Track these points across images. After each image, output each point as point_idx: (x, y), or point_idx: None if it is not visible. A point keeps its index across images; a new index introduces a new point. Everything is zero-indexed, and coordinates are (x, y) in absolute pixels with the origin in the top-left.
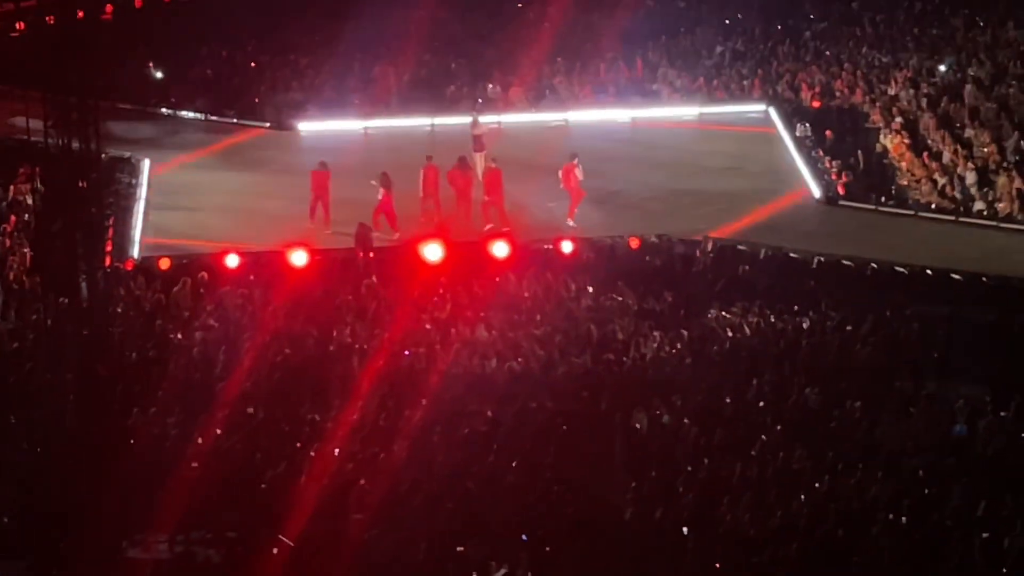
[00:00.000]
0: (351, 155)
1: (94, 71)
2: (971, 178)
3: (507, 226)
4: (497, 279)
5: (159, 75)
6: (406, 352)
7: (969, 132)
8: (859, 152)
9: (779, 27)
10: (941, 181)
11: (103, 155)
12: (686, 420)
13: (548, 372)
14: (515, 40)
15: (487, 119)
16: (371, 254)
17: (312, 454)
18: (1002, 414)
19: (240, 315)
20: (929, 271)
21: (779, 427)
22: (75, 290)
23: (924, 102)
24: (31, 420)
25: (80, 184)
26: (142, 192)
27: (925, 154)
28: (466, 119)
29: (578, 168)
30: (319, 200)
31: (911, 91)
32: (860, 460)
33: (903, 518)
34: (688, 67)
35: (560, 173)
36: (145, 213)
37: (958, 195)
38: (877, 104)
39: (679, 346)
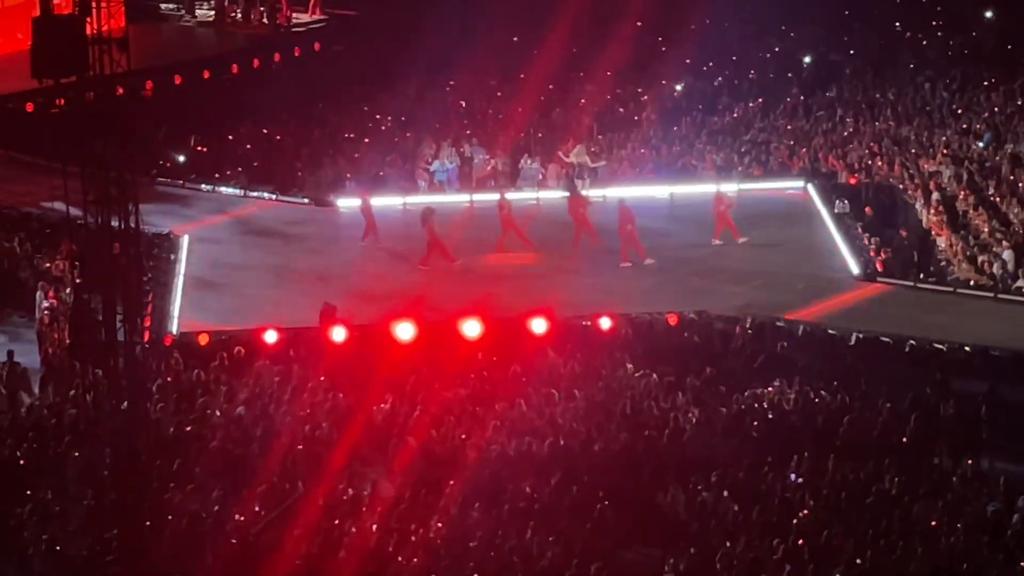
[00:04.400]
0: (389, 230)
1: (133, 147)
2: (1008, 255)
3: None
4: (536, 354)
5: (181, 158)
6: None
7: (1007, 209)
8: (897, 229)
9: (817, 103)
10: (980, 258)
11: (142, 231)
12: (725, 495)
13: (586, 448)
14: (555, 117)
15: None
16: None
17: (353, 529)
18: None
19: (278, 391)
20: (967, 348)
21: (818, 503)
22: (113, 365)
23: (963, 178)
24: (68, 495)
25: (119, 260)
26: (181, 267)
27: (963, 231)
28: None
29: (726, 196)
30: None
31: (949, 167)
32: (898, 537)
33: None
34: (726, 143)
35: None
36: (184, 289)
37: (996, 272)
38: (915, 180)
39: (717, 423)
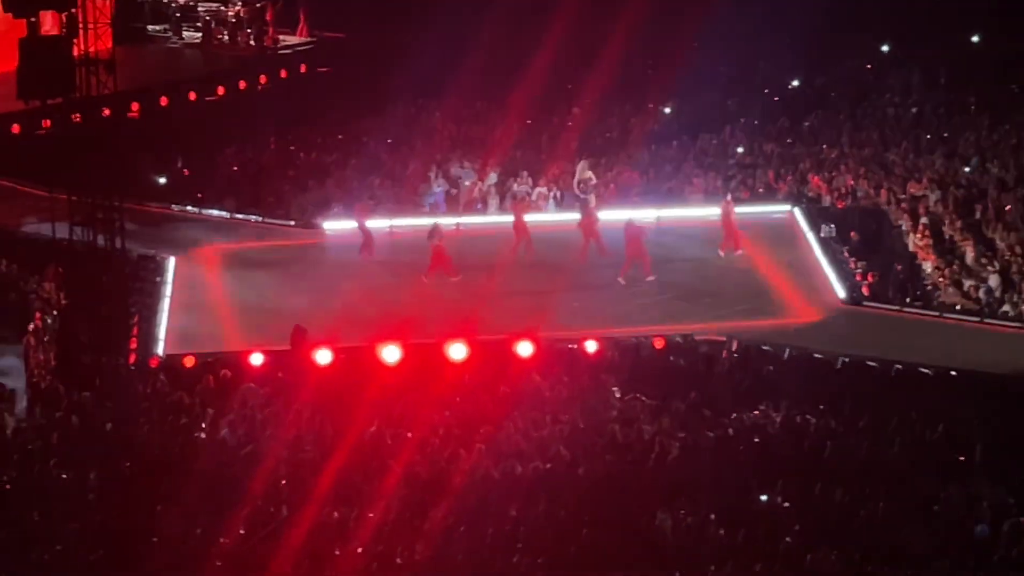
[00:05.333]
0: (376, 253)
1: (119, 169)
2: (995, 280)
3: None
4: (521, 377)
5: (162, 180)
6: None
7: (993, 234)
8: (884, 253)
9: (804, 127)
10: (966, 283)
11: (128, 253)
12: (712, 518)
13: (572, 471)
14: (541, 140)
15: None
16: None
17: (336, 552)
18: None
19: (264, 413)
20: (954, 372)
21: (804, 527)
22: (99, 387)
23: (949, 203)
24: (54, 517)
25: (105, 282)
26: (167, 290)
27: (949, 255)
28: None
29: (732, 206)
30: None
31: (935, 192)
32: (885, 561)
33: None
34: (713, 167)
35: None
36: (170, 311)
37: (983, 297)
38: (902, 205)
39: (703, 446)
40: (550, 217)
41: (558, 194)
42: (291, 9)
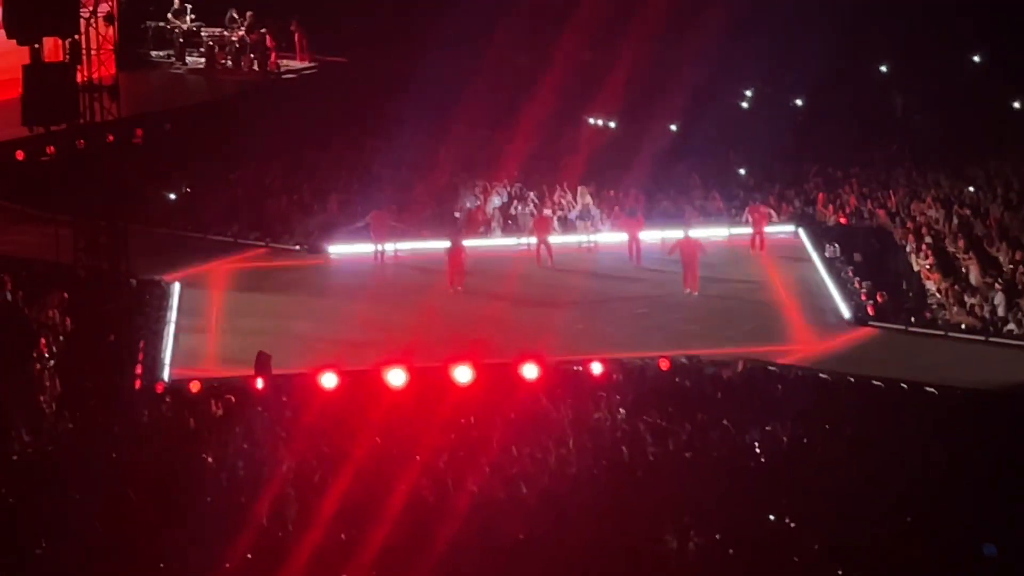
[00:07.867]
0: (381, 277)
1: (123, 195)
2: (999, 298)
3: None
4: (527, 400)
5: (172, 196)
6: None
7: (997, 252)
8: (888, 272)
9: (808, 147)
10: (970, 301)
11: (132, 278)
12: (718, 538)
13: (577, 494)
14: (546, 163)
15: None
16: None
17: None
18: None
19: (270, 438)
20: (960, 391)
21: (811, 548)
22: (105, 412)
23: (953, 221)
24: (59, 542)
25: (110, 308)
26: (172, 315)
27: (954, 274)
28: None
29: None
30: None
31: (940, 211)
32: None
33: None
34: (718, 187)
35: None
36: (175, 336)
37: (987, 315)
38: (907, 224)
39: (710, 468)
40: (555, 240)
41: (577, 214)
42: (291, 35)
